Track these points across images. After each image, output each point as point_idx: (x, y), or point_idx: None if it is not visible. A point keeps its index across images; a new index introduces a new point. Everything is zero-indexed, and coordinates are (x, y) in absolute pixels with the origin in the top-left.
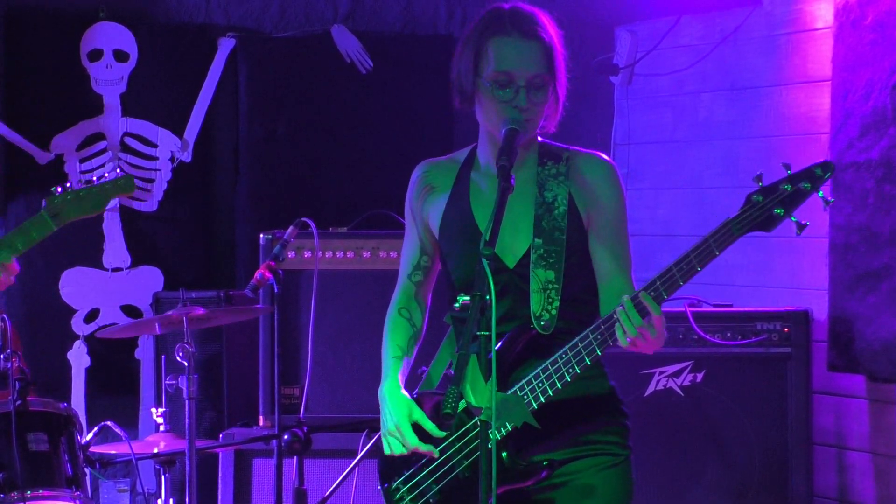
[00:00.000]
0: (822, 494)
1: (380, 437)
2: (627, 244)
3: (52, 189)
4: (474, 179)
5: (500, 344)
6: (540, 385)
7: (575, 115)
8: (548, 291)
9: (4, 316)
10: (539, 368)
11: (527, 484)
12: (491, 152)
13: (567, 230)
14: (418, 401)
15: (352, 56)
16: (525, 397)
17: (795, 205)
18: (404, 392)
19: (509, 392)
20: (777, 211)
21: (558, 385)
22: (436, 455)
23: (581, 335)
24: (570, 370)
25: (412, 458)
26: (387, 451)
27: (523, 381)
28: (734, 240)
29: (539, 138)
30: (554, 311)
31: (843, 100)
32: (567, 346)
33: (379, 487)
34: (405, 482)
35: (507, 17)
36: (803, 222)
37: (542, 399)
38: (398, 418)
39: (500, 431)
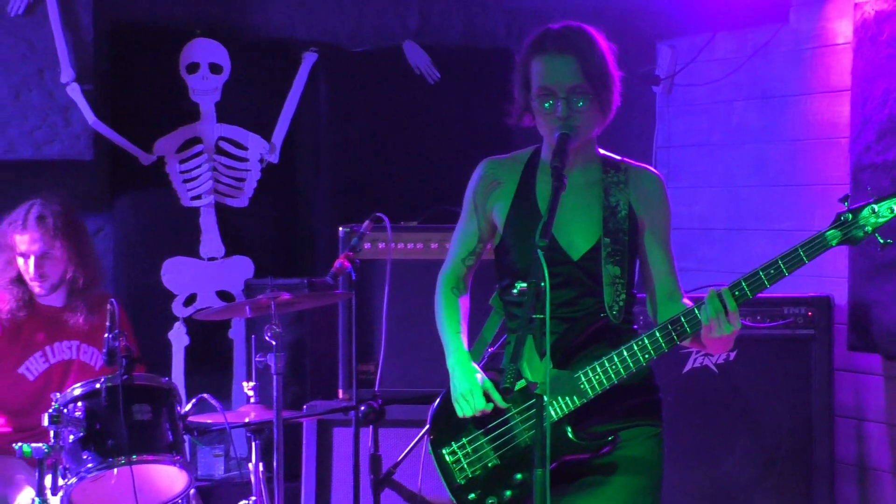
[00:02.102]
0: (842, 461)
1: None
2: (670, 246)
3: None
4: (540, 178)
5: (568, 326)
6: (612, 366)
7: (620, 121)
8: (616, 285)
9: (113, 301)
10: (613, 353)
11: (591, 455)
12: (549, 156)
13: (627, 233)
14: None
15: (421, 68)
16: (594, 376)
17: (880, 224)
18: (473, 364)
19: (579, 373)
20: (867, 228)
21: (631, 367)
22: (489, 418)
23: (649, 333)
24: (638, 359)
25: (470, 426)
26: (459, 414)
27: (595, 362)
28: (823, 251)
29: (600, 150)
30: (622, 303)
31: (861, 108)
32: (638, 341)
33: (431, 452)
34: (462, 448)
35: (548, 35)
36: (886, 240)
37: (614, 379)
38: (470, 384)
39: (564, 408)
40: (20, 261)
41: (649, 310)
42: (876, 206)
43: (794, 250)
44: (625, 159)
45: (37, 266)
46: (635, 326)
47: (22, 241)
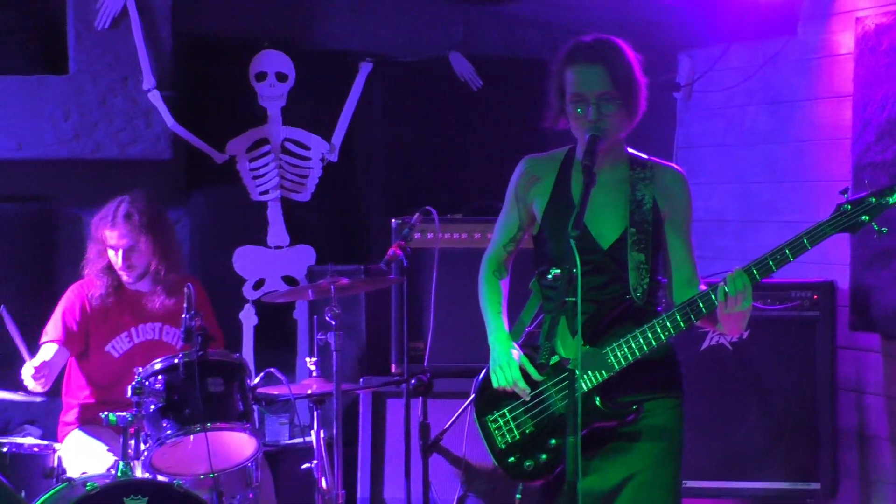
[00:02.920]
0: (844, 430)
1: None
2: (690, 237)
3: None
4: (574, 175)
5: (597, 308)
6: (636, 343)
7: (645, 123)
8: (640, 270)
9: (190, 285)
10: (637, 331)
11: (617, 423)
12: (582, 155)
13: (652, 224)
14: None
15: (465, 76)
16: (619, 352)
17: (878, 214)
18: (511, 341)
19: (606, 349)
20: (863, 218)
21: (653, 343)
22: (528, 398)
23: (668, 313)
24: (659, 337)
25: (509, 396)
26: (495, 384)
27: (621, 339)
28: (824, 238)
29: (628, 149)
30: (645, 286)
31: (862, 111)
32: (660, 319)
33: (476, 420)
34: (502, 416)
35: (579, 47)
36: (883, 228)
37: (637, 354)
38: (508, 359)
39: (594, 380)
40: (110, 253)
41: (669, 293)
42: (873, 199)
43: (799, 238)
44: (651, 158)
45: (124, 258)
46: (658, 308)
47: (111, 235)
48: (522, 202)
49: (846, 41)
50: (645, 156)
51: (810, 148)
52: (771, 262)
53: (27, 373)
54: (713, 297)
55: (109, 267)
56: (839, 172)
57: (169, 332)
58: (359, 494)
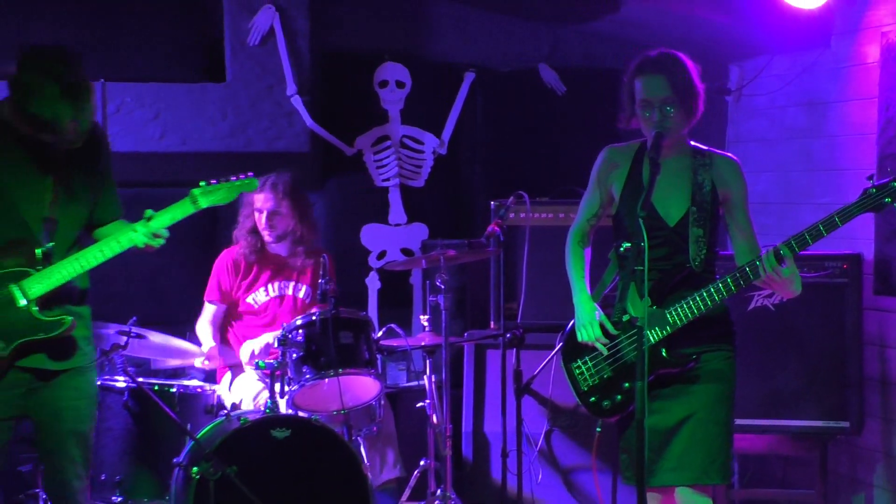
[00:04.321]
0: (869, 378)
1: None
2: (749, 214)
3: (201, 181)
4: (645, 165)
5: (662, 275)
6: (695, 304)
7: (701, 122)
8: (699, 243)
9: (325, 255)
10: (696, 294)
11: (679, 370)
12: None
13: (710, 204)
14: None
15: (552, 84)
16: (681, 311)
17: None
18: (593, 301)
19: (669, 309)
20: (887, 200)
21: (709, 304)
22: (604, 352)
23: (722, 279)
24: (714, 299)
25: (591, 348)
26: (580, 338)
27: (682, 301)
28: (853, 217)
29: (690, 142)
30: (703, 256)
31: (885, 111)
32: (714, 284)
33: (563, 366)
34: (585, 363)
35: (646, 60)
36: None
37: (696, 313)
38: (591, 317)
39: (659, 335)
40: (256, 214)
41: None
42: (895, 183)
43: (831, 217)
44: (710, 148)
45: (268, 219)
46: (717, 276)
47: (258, 199)
48: (603, 185)
49: (873, 52)
50: (705, 147)
51: (840, 142)
52: (808, 237)
53: (198, 363)
54: (758, 264)
55: (255, 228)
56: (865, 162)
57: (299, 289)
58: (463, 428)
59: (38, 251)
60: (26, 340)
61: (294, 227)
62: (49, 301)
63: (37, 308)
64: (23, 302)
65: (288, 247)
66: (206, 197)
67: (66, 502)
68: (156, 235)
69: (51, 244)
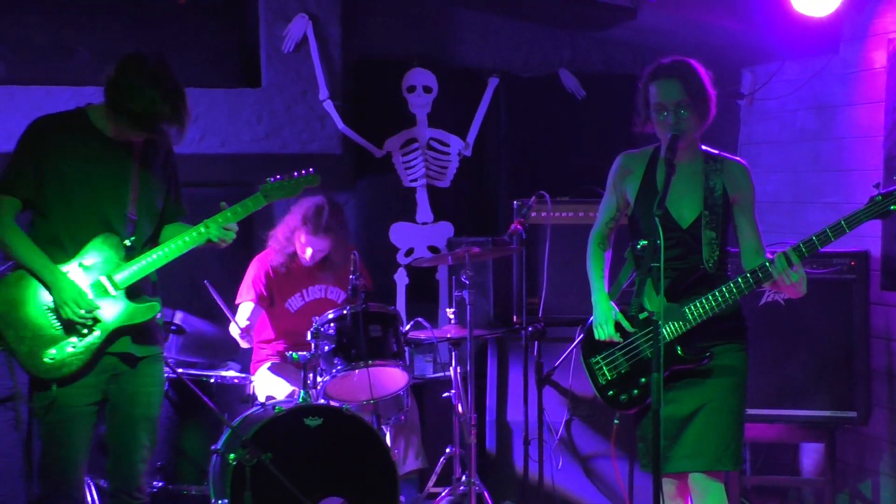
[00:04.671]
0: (876, 370)
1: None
2: (755, 215)
3: (267, 178)
4: (659, 168)
5: (677, 275)
6: (708, 303)
7: (715, 125)
8: (712, 245)
9: (355, 252)
10: (709, 294)
11: (693, 365)
12: (665, 151)
13: (722, 207)
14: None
15: (572, 89)
16: (695, 310)
17: None
18: (610, 300)
19: (685, 307)
20: (892, 207)
21: (722, 304)
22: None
23: (734, 279)
24: (726, 298)
25: (608, 344)
26: (597, 336)
27: (696, 300)
28: (859, 224)
29: (702, 146)
30: (716, 258)
31: (891, 114)
32: (727, 284)
33: (582, 360)
34: (603, 358)
35: (660, 67)
36: None
37: (710, 312)
38: (607, 315)
39: (674, 332)
40: (300, 245)
41: (741, 260)
42: None
43: (838, 222)
44: (721, 153)
45: (313, 256)
46: (728, 274)
47: (312, 241)
48: (619, 190)
49: (879, 58)
50: (716, 151)
51: (848, 144)
52: (816, 241)
53: (234, 331)
54: (769, 267)
55: (293, 251)
56: (872, 163)
57: (333, 292)
58: (487, 417)
59: (127, 242)
60: (118, 327)
61: (332, 254)
62: (132, 292)
63: (126, 297)
64: (113, 292)
65: (322, 261)
66: (276, 192)
67: (130, 484)
68: (227, 229)
69: (133, 238)
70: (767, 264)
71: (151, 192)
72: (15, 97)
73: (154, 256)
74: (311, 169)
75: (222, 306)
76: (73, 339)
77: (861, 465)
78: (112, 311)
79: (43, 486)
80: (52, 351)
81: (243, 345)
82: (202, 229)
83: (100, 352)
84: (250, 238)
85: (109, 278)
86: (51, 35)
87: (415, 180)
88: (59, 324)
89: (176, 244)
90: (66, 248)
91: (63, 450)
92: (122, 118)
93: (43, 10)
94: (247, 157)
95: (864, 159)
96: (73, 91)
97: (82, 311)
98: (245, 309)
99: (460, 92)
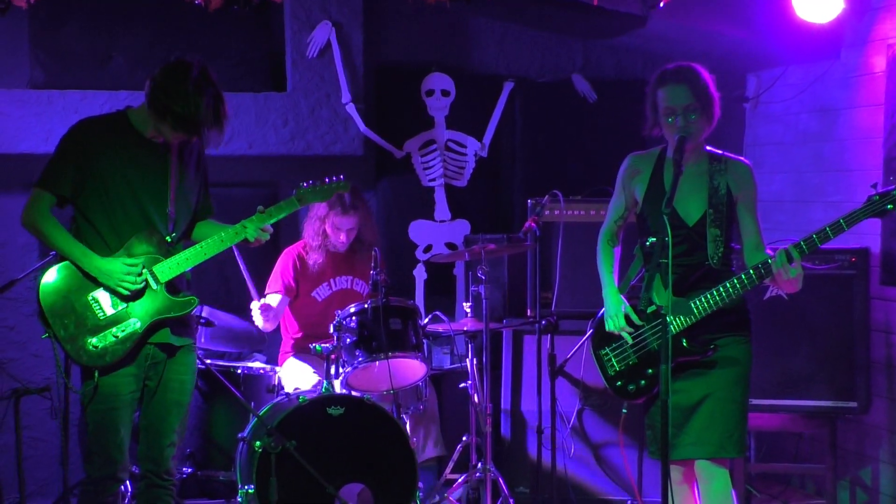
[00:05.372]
0: (876, 362)
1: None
2: (757, 214)
3: (301, 183)
4: (666, 168)
5: (684, 270)
6: (713, 298)
7: (722, 127)
8: (717, 242)
9: (376, 249)
10: (714, 289)
11: (699, 357)
12: (672, 153)
13: (726, 206)
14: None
15: (584, 93)
16: (701, 304)
17: None
18: (620, 295)
19: (689, 301)
20: (889, 206)
21: (726, 298)
22: (631, 339)
23: (738, 275)
24: (730, 293)
25: (617, 337)
26: (608, 328)
27: (702, 295)
28: (857, 222)
29: (707, 148)
30: (720, 254)
31: (891, 117)
32: (731, 279)
33: (592, 352)
34: (612, 350)
35: (667, 72)
36: None
37: (714, 307)
38: (617, 308)
39: (681, 325)
40: (331, 230)
41: (742, 256)
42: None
43: (837, 221)
44: (725, 153)
45: (347, 236)
46: (733, 269)
47: (343, 221)
48: (627, 189)
49: (879, 63)
50: (720, 152)
51: (849, 145)
52: (816, 239)
53: (255, 307)
54: (771, 263)
55: (324, 241)
56: (872, 164)
57: (358, 284)
58: (502, 407)
59: (168, 238)
60: (159, 319)
61: (362, 234)
62: (171, 286)
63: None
64: (156, 286)
65: (349, 248)
66: (309, 196)
67: (159, 466)
68: (263, 230)
69: (174, 234)
70: (769, 260)
71: (187, 191)
72: (53, 101)
73: (193, 252)
74: (341, 176)
75: (246, 278)
76: (113, 330)
77: (861, 453)
78: (153, 304)
79: (91, 471)
80: (94, 339)
81: (259, 322)
82: (240, 229)
83: (141, 342)
84: (277, 235)
85: (152, 272)
86: (87, 43)
87: (433, 180)
88: (103, 313)
89: (214, 241)
90: (109, 244)
91: (110, 436)
92: (165, 121)
93: (80, 19)
94: (273, 158)
95: (865, 160)
96: (108, 95)
97: (138, 279)
98: (272, 300)
99: (477, 96)
